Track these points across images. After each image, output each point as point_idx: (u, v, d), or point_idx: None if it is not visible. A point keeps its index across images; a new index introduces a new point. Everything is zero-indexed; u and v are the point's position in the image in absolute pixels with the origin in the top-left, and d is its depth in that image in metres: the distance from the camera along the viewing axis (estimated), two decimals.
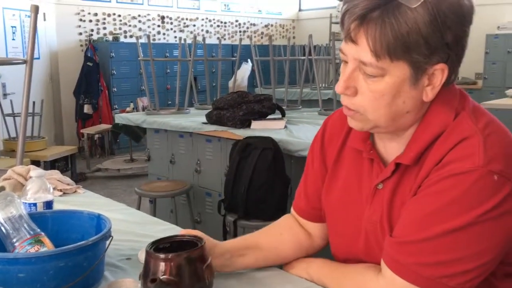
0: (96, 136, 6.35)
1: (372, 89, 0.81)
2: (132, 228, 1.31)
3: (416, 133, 0.86)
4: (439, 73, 0.80)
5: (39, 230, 0.99)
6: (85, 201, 1.54)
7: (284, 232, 1.09)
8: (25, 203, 1.15)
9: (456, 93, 0.87)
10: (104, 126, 6.18)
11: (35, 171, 1.19)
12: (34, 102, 5.18)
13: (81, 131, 6.24)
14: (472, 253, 0.77)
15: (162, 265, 0.87)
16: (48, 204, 1.17)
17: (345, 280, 0.93)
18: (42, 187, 1.17)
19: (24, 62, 1.86)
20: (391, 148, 0.91)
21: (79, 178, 5.19)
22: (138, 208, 2.80)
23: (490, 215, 0.76)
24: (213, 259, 0.94)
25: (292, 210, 1.14)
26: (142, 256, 1.00)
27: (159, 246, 0.96)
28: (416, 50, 0.76)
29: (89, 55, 6.57)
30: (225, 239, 2.61)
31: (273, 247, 1.06)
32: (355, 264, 0.94)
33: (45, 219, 1.07)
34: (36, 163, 4.41)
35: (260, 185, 2.43)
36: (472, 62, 7.08)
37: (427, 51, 0.77)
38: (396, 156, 0.88)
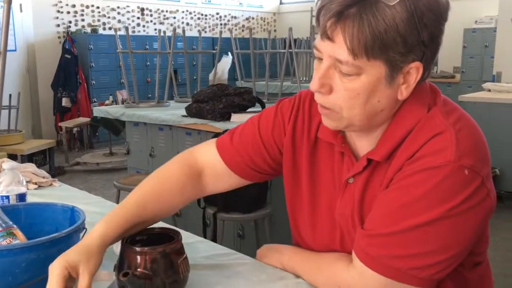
0: (75, 129, 6.26)
1: (347, 88, 0.80)
2: None
3: (388, 130, 0.86)
4: (414, 71, 0.79)
5: (11, 222, 0.97)
6: (61, 194, 1.52)
7: (179, 199, 1.02)
8: None
9: (427, 89, 0.87)
10: (83, 120, 6.10)
11: (7, 164, 1.17)
12: (10, 95, 5.09)
13: (59, 124, 6.15)
14: (442, 246, 0.78)
15: (137, 258, 0.87)
16: (21, 197, 1.15)
17: (317, 270, 0.93)
18: (14, 180, 1.15)
19: None
20: (362, 145, 0.91)
21: (58, 172, 5.12)
22: (117, 202, 2.78)
23: (460, 209, 0.77)
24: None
25: (207, 150, 1.05)
26: (117, 249, 1.00)
27: (136, 238, 0.96)
28: (393, 49, 0.76)
29: (67, 47, 6.46)
30: (204, 232, 2.61)
31: (163, 214, 1.00)
32: (327, 253, 0.95)
33: (18, 212, 1.05)
34: (13, 156, 4.34)
35: None
36: (450, 56, 7.19)
37: (403, 50, 0.76)
38: (367, 152, 0.88)
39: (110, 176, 5.01)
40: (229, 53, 4.80)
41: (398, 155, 0.84)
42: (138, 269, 0.86)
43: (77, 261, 0.82)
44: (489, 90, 4.54)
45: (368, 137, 0.89)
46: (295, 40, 4.64)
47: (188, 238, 1.18)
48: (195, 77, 6.46)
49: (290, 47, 4.07)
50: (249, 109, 2.99)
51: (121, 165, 5.30)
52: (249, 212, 2.43)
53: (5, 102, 5.13)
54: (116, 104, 5.76)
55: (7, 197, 1.14)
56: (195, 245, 1.15)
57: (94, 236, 0.87)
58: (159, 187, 1.00)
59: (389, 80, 0.79)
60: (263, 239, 2.49)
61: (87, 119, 6.04)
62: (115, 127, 5.40)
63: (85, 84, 6.58)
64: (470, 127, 0.84)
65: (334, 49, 0.78)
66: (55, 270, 0.79)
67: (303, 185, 0.99)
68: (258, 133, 1.02)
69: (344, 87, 0.80)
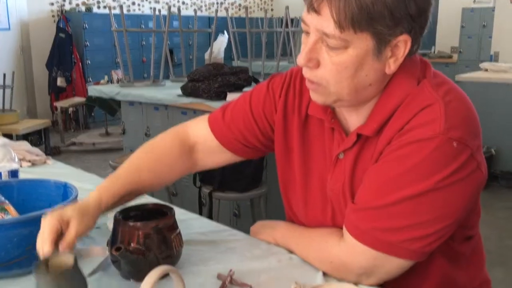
0: (70, 109, 6.23)
1: (334, 62, 0.79)
2: None
3: (378, 104, 0.85)
4: (402, 44, 0.79)
5: (3, 198, 0.97)
6: (55, 171, 1.51)
7: (172, 172, 1.03)
8: None
9: (417, 62, 0.87)
10: (78, 99, 6.06)
11: None
12: (4, 74, 5.04)
13: (55, 104, 6.11)
14: (432, 218, 0.79)
15: (130, 234, 0.87)
16: (13, 173, 1.15)
17: (309, 245, 0.94)
18: (6, 156, 1.14)
19: None
20: (351, 120, 0.90)
21: (53, 152, 5.11)
22: None
23: (449, 181, 0.77)
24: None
25: (200, 126, 1.05)
26: (111, 225, 0.99)
27: (129, 213, 0.95)
28: (381, 22, 0.75)
29: (61, 26, 6.38)
30: (200, 211, 2.62)
31: (158, 185, 1.03)
32: (319, 229, 0.95)
33: (10, 188, 1.05)
34: (8, 136, 4.31)
35: None
36: (448, 36, 7.14)
37: (391, 22, 0.75)
38: (357, 126, 0.87)
39: (106, 156, 5.00)
40: (225, 32, 4.75)
41: (387, 129, 0.83)
42: (131, 244, 0.85)
43: (70, 217, 0.82)
44: (486, 70, 4.52)
45: (358, 112, 0.88)
46: (292, 20, 4.60)
47: (183, 215, 1.18)
48: (191, 57, 6.40)
49: (287, 26, 4.03)
50: (245, 89, 2.97)
51: (117, 145, 5.29)
52: (245, 191, 2.44)
53: None
54: (111, 83, 5.71)
55: None
56: (189, 222, 1.15)
57: (90, 200, 0.88)
58: (153, 159, 1.01)
59: (376, 53, 0.78)
60: (259, 218, 2.48)
61: (82, 99, 6.00)
62: (111, 106, 5.37)
63: (80, 64, 6.51)
64: (460, 100, 0.83)
65: (321, 22, 0.77)
66: (48, 222, 0.79)
67: (295, 162, 0.99)
68: (250, 109, 1.02)
69: (331, 61, 0.79)
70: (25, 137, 4.81)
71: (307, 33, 0.81)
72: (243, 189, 2.43)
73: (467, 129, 0.79)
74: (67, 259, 0.76)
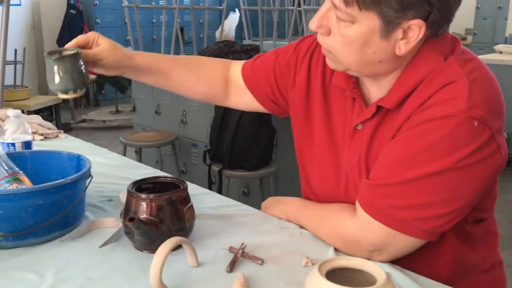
0: None
1: (342, 33, 0.79)
2: (114, 171, 1.30)
3: (401, 77, 0.84)
4: (416, 28, 0.76)
5: (17, 168, 0.97)
6: (67, 145, 1.52)
7: (205, 82, 1.13)
8: (3, 143, 1.13)
9: (446, 38, 0.84)
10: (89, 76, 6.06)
11: (12, 111, 1.16)
12: (16, 50, 5.04)
13: None
14: (447, 198, 0.78)
15: (143, 205, 0.87)
16: (27, 145, 1.15)
17: (321, 222, 0.93)
18: (20, 128, 1.14)
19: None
20: (373, 91, 0.89)
21: (64, 129, 5.08)
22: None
23: (467, 161, 0.76)
24: (119, 67, 1.02)
25: (238, 65, 1.14)
26: (124, 198, 1.00)
27: (142, 186, 0.96)
28: (386, 3, 0.73)
29: (72, 2, 6.35)
30: (210, 189, 2.63)
31: (184, 86, 1.13)
32: (332, 205, 0.94)
33: (24, 159, 1.05)
34: None
35: (246, 135, 2.43)
36: (462, 17, 7.01)
37: (398, 6, 0.73)
38: (378, 98, 0.86)
39: (117, 133, 5.02)
40: (237, 10, 4.71)
41: (408, 104, 0.82)
42: (144, 215, 0.86)
43: (104, 41, 1.00)
44: (501, 52, 4.44)
45: (379, 84, 0.87)
46: None
47: (195, 190, 1.18)
48: (201, 35, 6.36)
49: (299, 4, 3.98)
50: None
51: (127, 123, 5.30)
52: (255, 170, 2.44)
53: (11, 57, 5.10)
54: None
55: (13, 144, 1.14)
56: (201, 196, 1.16)
57: (127, 49, 1.04)
58: (194, 58, 1.18)
59: (384, 34, 0.77)
60: (268, 197, 2.51)
61: (92, 76, 6.00)
62: (121, 84, 5.37)
63: None
64: (486, 79, 0.81)
65: None
66: (86, 34, 1.02)
67: (315, 128, 0.98)
68: (274, 62, 1.06)
69: (340, 32, 0.80)
70: (36, 113, 4.80)
71: None
72: (252, 167, 2.44)
73: (490, 109, 0.77)
74: (75, 51, 0.97)
